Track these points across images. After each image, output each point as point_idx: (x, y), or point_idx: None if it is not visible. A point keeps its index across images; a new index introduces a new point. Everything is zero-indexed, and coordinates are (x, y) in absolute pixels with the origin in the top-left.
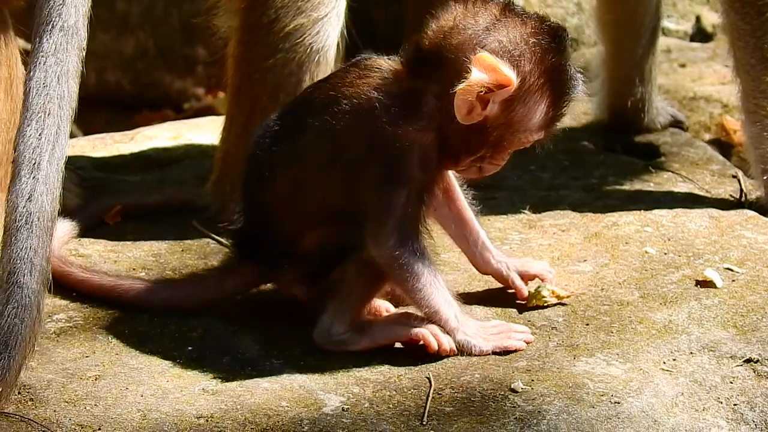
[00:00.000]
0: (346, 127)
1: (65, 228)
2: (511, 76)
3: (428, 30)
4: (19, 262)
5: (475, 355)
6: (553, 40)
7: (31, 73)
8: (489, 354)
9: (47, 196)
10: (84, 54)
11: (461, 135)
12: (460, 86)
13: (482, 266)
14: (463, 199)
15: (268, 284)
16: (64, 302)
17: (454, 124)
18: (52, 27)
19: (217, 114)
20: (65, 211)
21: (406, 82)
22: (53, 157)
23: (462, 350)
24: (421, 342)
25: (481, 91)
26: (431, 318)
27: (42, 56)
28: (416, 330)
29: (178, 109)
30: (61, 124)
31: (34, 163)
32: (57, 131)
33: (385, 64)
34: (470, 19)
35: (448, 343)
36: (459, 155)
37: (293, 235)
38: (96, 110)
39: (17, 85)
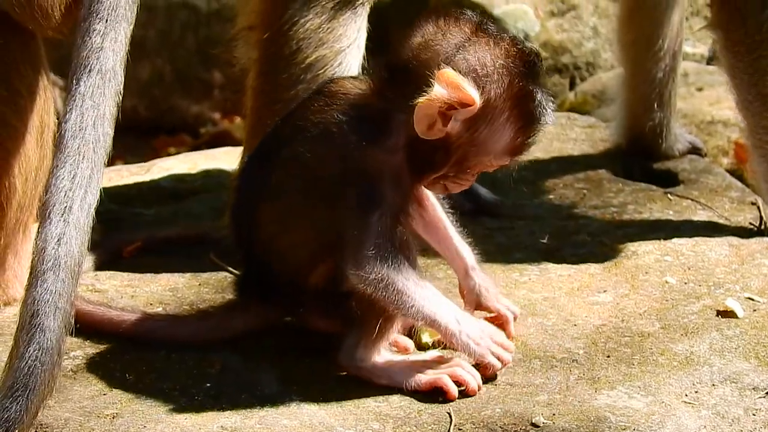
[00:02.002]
0: (316, 155)
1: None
2: (473, 95)
3: (398, 47)
4: (43, 304)
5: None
6: (523, 64)
7: (67, 116)
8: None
9: (76, 240)
10: (121, 98)
11: (425, 151)
12: (421, 99)
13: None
14: (438, 208)
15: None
16: (80, 339)
17: (418, 139)
18: (90, 70)
19: (234, 139)
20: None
21: (374, 102)
22: (85, 202)
23: (463, 351)
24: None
25: (442, 107)
26: (431, 327)
27: (79, 99)
28: (438, 377)
29: (195, 134)
30: (95, 169)
31: (66, 207)
32: (90, 175)
33: (351, 85)
34: (440, 36)
35: (473, 382)
36: (423, 171)
37: (297, 274)
38: (113, 137)
39: (48, 133)
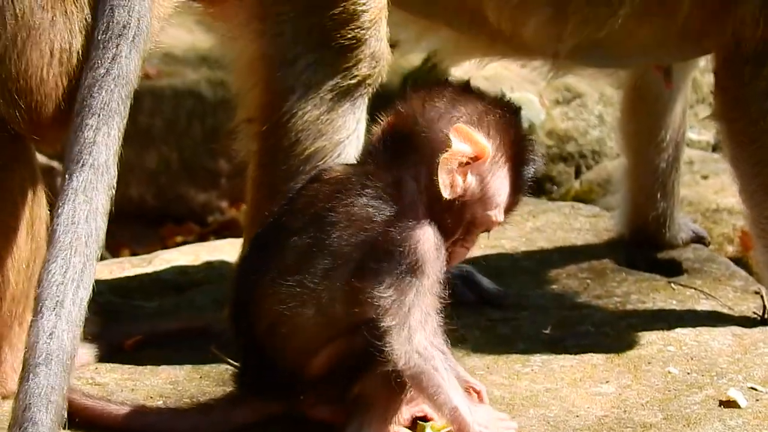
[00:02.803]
0: (338, 241)
1: (83, 356)
2: (487, 145)
3: (391, 122)
4: (35, 398)
5: None
6: (509, 112)
7: (60, 210)
8: None
9: (68, 333)
10: (114, 192)
11: (441, 215)
12: (443, 156)
13: None
14: None
15: None
16: None
17: (434, 205)
18: (83, 165)
19: (242, 228)
20: (82, 339)
21: (381, 177)
22: (77, 296)
23: None
24: None
25: (462, 162)
26: (449, 415)
27: (71, 193)
28: None
29: (203, 223)
30: (87, 263)
31: (58, 301)
32: (83, 270)
33: (348, 168)
34: (436, 99)
35: None
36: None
37: (299, 362)
38: (120, 225)
39: (40, 225)
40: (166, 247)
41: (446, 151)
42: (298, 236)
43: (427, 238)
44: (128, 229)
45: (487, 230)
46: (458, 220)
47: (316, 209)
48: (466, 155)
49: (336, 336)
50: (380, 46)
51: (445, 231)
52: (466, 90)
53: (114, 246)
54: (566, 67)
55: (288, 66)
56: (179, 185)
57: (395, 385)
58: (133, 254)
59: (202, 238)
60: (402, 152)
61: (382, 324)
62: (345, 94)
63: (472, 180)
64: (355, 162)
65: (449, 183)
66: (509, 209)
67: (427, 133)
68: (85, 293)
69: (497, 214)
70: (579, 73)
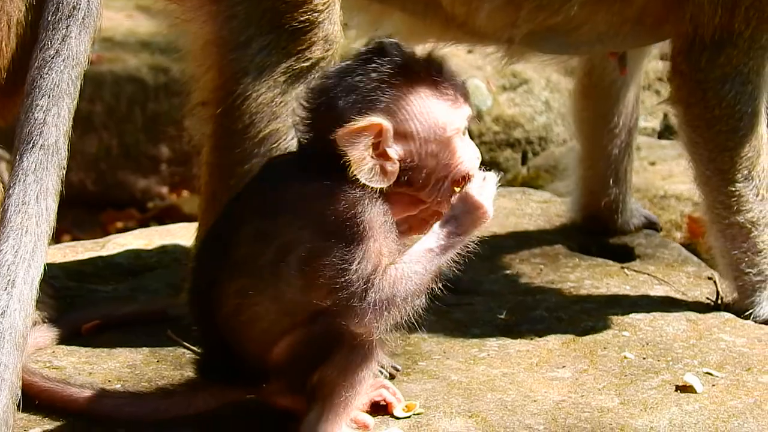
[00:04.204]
0: (286, 227)
1: (39, 339)
2: (373, 120)
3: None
4: None
5: None
6: (384, 55)
7: (11, 191)
8: None
9: (20, 312)
10: (64, 172)
11: (400, 189)
12: (353, 168)
13: None
14: None
15: None
16: (39, 416)
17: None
18: (33, 145)
19: (182, 213)
20: (39, 323)
21: (323, 161)
22: (28, 275)
23: None
24: None
25: (371, 154)
26: (450, 252)
27: (22, 174)
28: None
29: (143, 209)
30: (38, 242)
31: (9, 280)
32: (33, 249)
33: (293, 154)
34: (310, 109)
35: None
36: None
37: (259, 351)
38: (61, 211)
39: None
40: (107, 233)
41: (348, 162)
42: (248, 225)
43: (370, 205)
44: (69, 214)
45: (467, 177)
46: (422, 182)
47: (264, 197)
48: (369, 145)
49: (295, 325)
50: (333, 29)
51: (412, 199)
52: (339, 71)
53: (57, 232)
54: (520, 53)
55: (241, 48)
56: (120, 171)
57: (355, 371)
58: (75, 240)
59: (143, 223)
60: (323, 158)
61: (341, 296)
62: (299, 76)
63: (397, 150)
64: (299, 147)
65: (378, 174)
66: (459, 125)
67: (329, 144)
68: (37, 273)
69: (455, 140)
70: (533, 60)
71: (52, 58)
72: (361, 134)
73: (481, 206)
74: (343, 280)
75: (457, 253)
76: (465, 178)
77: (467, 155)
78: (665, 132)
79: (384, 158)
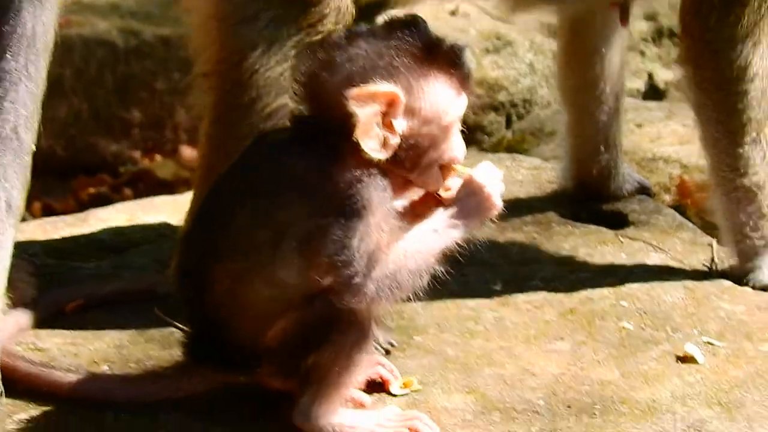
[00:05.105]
0: (286, 205)
1: (21, 320)
2: (390, 89)
3: (300, 97)
4: None
5: None
6: (412, 29)
7: None
8: None
9: None
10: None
11: (394, 166)
12: (357, 131)
13: None
14: None
15: None
16: (23, 402)
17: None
18: None
19: (155, 177)
20: (20, 303)
21: (318, 137)
22: None
23: None
24: None
25: (378, 123)
26: (452, 238)
27: None
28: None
29: (115, 174)
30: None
31: None
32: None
33: (286, 130)
34: (324, 64)
35: None
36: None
37: (251, 334)
38: (31, 178)
39: None
40: (79, 199)
41: (356, 125)
42: (243, 203)
43: (369, 181)
44: (39, 182)
45: (452, 162)
46: (416, 159)
47: (260, 174)
48: (379, 112)
49: (290, 308)
50: (345, 1)
51: (402, 182)
52: (348, 37)
53: (27, 200)
54: (526, 4)
55: (248, 22)
56: (90, 136)
57: (350, 354)
58: (46, 207)
59: (115, 189)
60: (324, 129)
61: (342, 273)
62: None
63: (402, 124)
64: (294, 121)
65: (380, 146)
66: (459, 108)
67: (334, 106)
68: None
69: (454, 114)
70: (538, 11)
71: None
72: (375, 99)
73: (487, 194)
74: (344, 257)
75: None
76: (450, 164)
77: (458, 143)
78: (649, 92)
79: (388, 129)
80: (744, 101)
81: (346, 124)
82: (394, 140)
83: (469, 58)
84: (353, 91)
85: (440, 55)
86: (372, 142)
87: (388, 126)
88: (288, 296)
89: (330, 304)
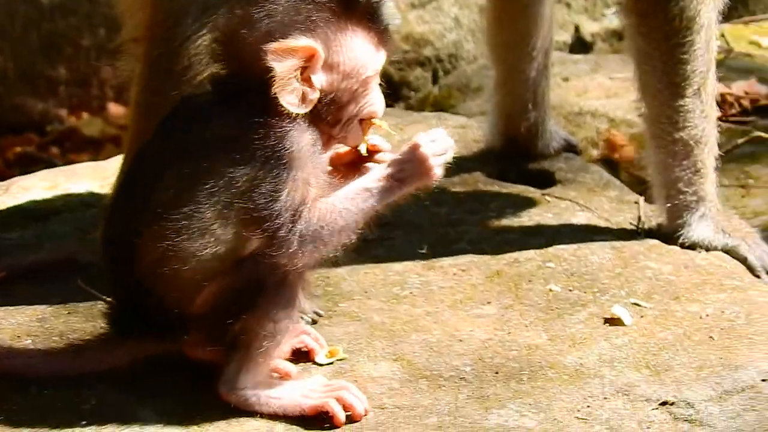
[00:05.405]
0: (213, 164)
1: None
2: (309, 43)
3: (218, 56)
4: None
5: None
6: None
7: None
8: None
9: None
10: None
11: (317, 118)
12: (275, 86)
13: None
14: None
15: None
16: None
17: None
18: None
19: (82, 135)
20: None
21: (244, 93)
22: None
23: None
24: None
25: (296, 76)
26: (389, 194)
27: None
28: (324, 401)
29: (42, 132)
30: None
31: None
32: None
33: (212, 91)
34: (242, 21)
35: (360, 406)
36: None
37: (180, 301)
38: None
39: None
40: (5, 159)
41: (274, 80)
42: (171, 167)
43: (296, 135)
44: None
45: (372, 116)
46: (338, 113)
47: (185, 136)
48: (297, 67)
49: (219, 273)
50: None
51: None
52: None
53: None
54: None
55: None
56: (16, 95)
57: (275, 319)
58: None
59: (42, 148)
60: (242, 86)
61: (268, 227)
62: None
63: (321, 79)
64: (214, 81)
65: (299, 101)
66: (379, 56)
67: (253, 62)
68: None
69: (371, 75)
70: None
71: None
72: (294, 54)
73: (426, 159)
74: (271, 211)
75: (394, 201)
76: (370, 119)
77: (377, 98)
78: (576, 44)
79: (307, 84)
80: (690, 52)
81: (265, 80)
82: (313, 95)
83: (393, 13)
84: (272, 46)
85: (359, 10)
86: (291, 97)
87: (306, 81)
88: (218, 260)
89: (258, 269)
